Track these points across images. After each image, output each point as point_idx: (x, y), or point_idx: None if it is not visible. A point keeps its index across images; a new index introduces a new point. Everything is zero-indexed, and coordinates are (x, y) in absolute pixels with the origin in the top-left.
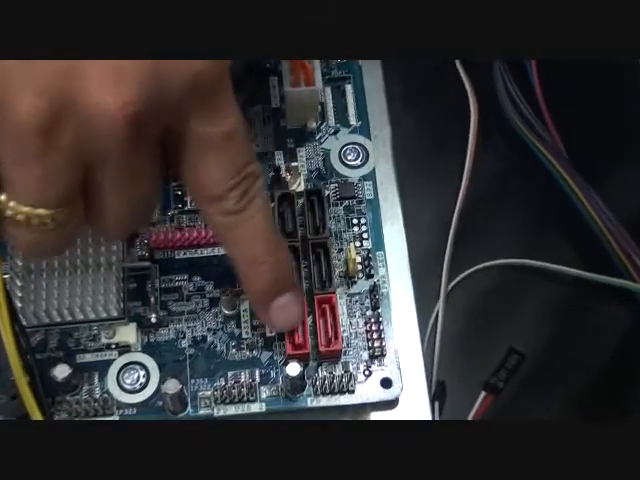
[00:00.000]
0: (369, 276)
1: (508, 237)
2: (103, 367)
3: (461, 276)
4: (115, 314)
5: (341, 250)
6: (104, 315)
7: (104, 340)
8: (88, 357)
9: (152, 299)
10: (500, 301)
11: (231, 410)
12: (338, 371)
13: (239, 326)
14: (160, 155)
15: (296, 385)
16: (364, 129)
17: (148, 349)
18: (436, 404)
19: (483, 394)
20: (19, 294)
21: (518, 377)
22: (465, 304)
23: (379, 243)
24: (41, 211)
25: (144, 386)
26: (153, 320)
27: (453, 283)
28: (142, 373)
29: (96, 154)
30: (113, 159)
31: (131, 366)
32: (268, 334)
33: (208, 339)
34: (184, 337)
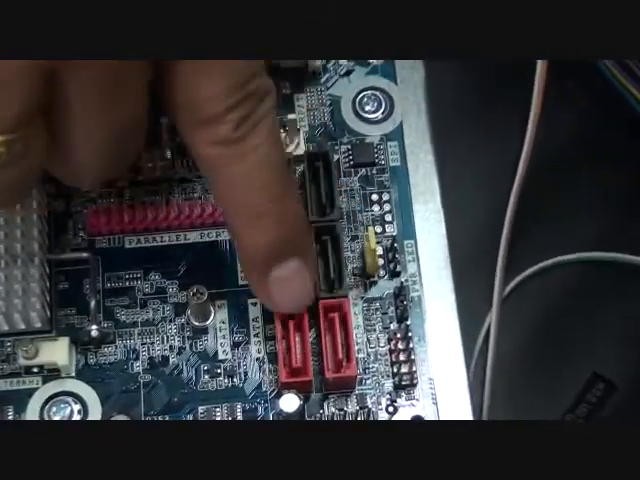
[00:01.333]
0: (394, 274)
1: (585, 224)
2: (20, 399)
3: (521, 277)
4: (38, 325)
5: (356, 238)
6: (22, 327)
7: (22, 361)
8: None
9: (92, 305)
10: (575, 310)
11: None
12: (351, 407)
13: (214, 342)
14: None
15: None
16: (388, 69)
17: (85, 375)
18: None
19: None
20: None
21: (606, 413)
22: (527, 315)
23: (408, 229)
24: None
25: None
26: (94, 334)
27: (510, 286)
28: (77, 408)
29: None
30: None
31: (61, 398)
32: (255, 354)
33: (171, 361)
34: (137, 358)
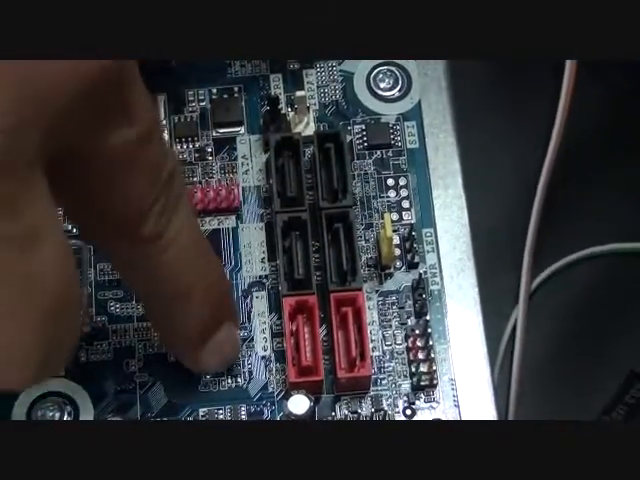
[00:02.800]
0: (412, 266)
1: (617, 214)
2: (2, 403)
3: (550, 270)
4: None
5: (370, 226)
6: None
7: None
8: None
9: (83, 298)
10: (609, 305)
11: None
12: (365, 409)
13: None
14: (58, 184)
15: None
16: None
17: (77, 374)
18: None
19: None
20: None
21: None
22: (556, 310)
23: (427, 216)
24: None
25: None
26: (85, 329)
27: (538, 280)
28: (67, 410)
29: None
30: None
31: (49, 400)
32: (261, 352)
33: (169, 358)
34: (133, 356)
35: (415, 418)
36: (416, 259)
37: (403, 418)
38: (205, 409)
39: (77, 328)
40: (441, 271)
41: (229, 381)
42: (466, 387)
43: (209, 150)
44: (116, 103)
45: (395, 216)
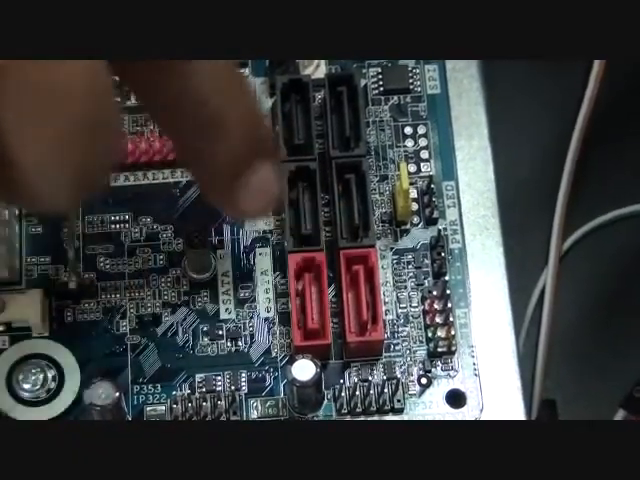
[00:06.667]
0: (430, 222)
1: None
2: None
3: (584, 229)
4: (4, 275)
5: (385, 178)
6: None
7: None
8: None
9: (69, 252)
10: None
11: None
12: (377, 377)
13: (215, 299)
14: None
15: (308, 398)
16: None
17: (62, 335)
18: None
19: (621, 414)
20: None
21: None
22: (589, 275)
23: (448, 169)
24: None
25: (54, 394)
26: (71, 286)
27: (570, 241)
28: (51, 374)
29: None
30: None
31: (32, 362)
32: (264, 313)
33: (164, 319)
34: (124, 316)
35: (431, 387)
36: (435, 214)
37: (418, 387)
38: (202, 375)
39: (112, 147)
40: (462, 228)
41: (228, 344)
42: (487, 355)
43: None
44: None
45: (413, 167)
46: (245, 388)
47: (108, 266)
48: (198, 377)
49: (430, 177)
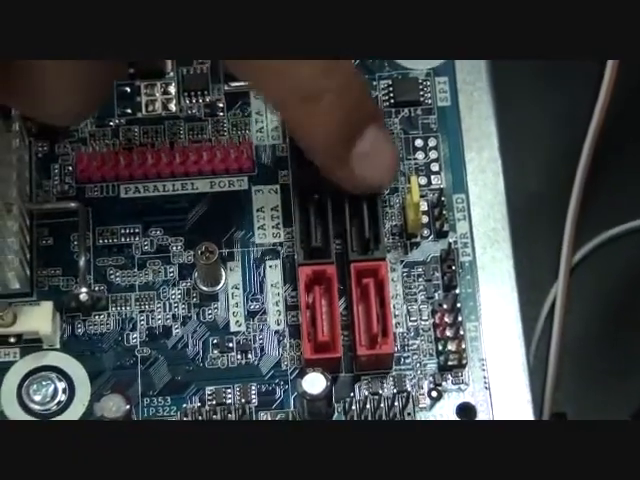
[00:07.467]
0: (441, 234)
1: None
2: None
3: (594, 242)
4: (16, 287)
5: (395, 191)
6: None
7: None
8: None
9: (80, 264)
10: None
11: None
12: (387, 390)
13: (226, 312)
14: None
15: (318, 411)
16: None
17: (72, 347)
18: None
19: None
20: None
21: None
22: (599, 288)
23: (459, 181)
24: None
25: (65, 407)
26: (82, 298)
27: (581, 253)
28: (61, 386)
29: None
30: None
31: (43, 374)
32: (274, 326)
33: (174, 332)
34: (134, 328)
35: (441, 401)
36: (445, 227)
37: (428, 400)
38: (212, 387)
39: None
40: (473, 241)
41: (238, 357)
42: (498, 368)
43: (220, 105)
44: None
45: (423, 180)
46: (255, 401)
47: (118, 278)
48: (208, 390)
49: (441, 190)
